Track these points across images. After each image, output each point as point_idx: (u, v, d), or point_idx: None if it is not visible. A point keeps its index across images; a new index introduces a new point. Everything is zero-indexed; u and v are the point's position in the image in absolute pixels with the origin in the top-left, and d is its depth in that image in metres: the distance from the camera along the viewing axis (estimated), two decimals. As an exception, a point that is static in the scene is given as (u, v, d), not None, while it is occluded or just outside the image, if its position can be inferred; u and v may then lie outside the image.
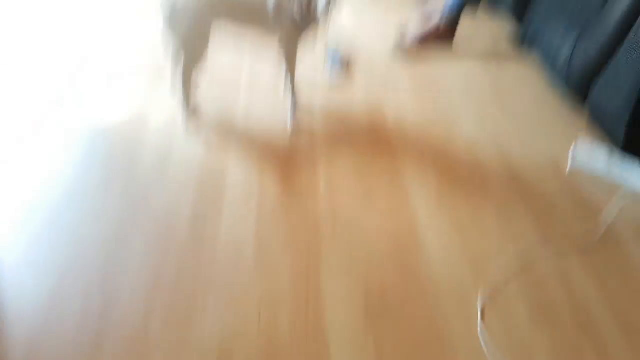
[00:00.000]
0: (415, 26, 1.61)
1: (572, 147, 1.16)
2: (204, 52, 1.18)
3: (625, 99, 1.09)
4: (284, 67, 1.26)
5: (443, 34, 1.58)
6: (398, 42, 1.59)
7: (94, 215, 1.02)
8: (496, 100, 1.39)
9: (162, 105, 1.34)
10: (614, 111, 1.13)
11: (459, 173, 1.14)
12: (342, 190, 1.08)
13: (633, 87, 1.06)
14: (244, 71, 1.51)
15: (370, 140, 1.24)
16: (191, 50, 1.16)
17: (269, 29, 1.18)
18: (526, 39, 1.52)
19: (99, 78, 1.47)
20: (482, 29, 1.75)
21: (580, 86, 1.24)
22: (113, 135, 1.25)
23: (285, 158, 1.18)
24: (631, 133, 1.11)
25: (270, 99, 1.38)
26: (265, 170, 1.14)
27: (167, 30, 1.12)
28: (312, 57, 1.57)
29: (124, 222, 1.01)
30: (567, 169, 1.13)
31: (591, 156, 1.13)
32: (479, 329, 0.81)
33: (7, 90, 1.44)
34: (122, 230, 0.99)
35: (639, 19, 1.06)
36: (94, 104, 1.36)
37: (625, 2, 1.09)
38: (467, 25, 1.73)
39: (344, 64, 1.51)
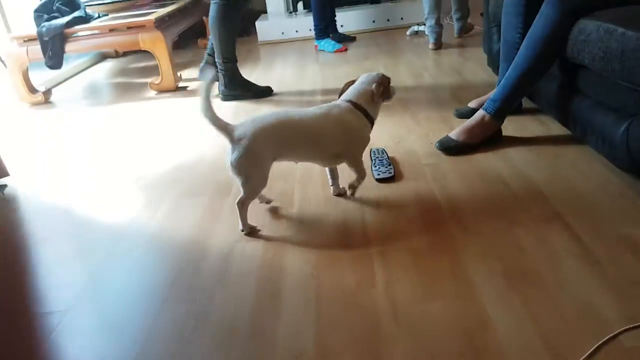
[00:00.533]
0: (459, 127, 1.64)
1: None
2: (263, 187, 1.28)
3: None
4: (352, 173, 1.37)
5: (488, 126, 1.60)
6: (442, 138, 1.63)
7: (158, 324, 1.02)
8: (556, 186, 1.35)
9: (226, 218, 1.39)
10: None
11: (527, 257, 1.07)
12: (402, 286, 1.03)
13: None
14: (297, 166, 1.57)
15: (425, 232, 1.20)
16: (251, 188, 1.26)
17: (329, 162, 1.37)
18: (575, 130, 1.53)
19: (169, 196, 1.57)
20: (529, 119, 1.78)
21: None
22: (180, 247, 1.29)
23: (342, 254, 1.16)
24: None
25: (323, 194, 1.41)
26: (322, 267, 1.12)
27: (232, 173, 1.23)
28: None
29: (186, 327, 0.99)
30: None
31: None
32: None
33: (82, 202, 1.56)
34: (184, 336, 0.97)
35: None
36: (164, 220, 1.44)
37: None
38: (514, 117, 1.79)
39: (390, 163, 1.55)
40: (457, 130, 1.62)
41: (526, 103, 1.90)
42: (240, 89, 2.43)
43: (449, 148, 1.60)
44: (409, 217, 1.28)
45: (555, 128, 1.70)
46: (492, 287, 1.00)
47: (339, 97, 1.38)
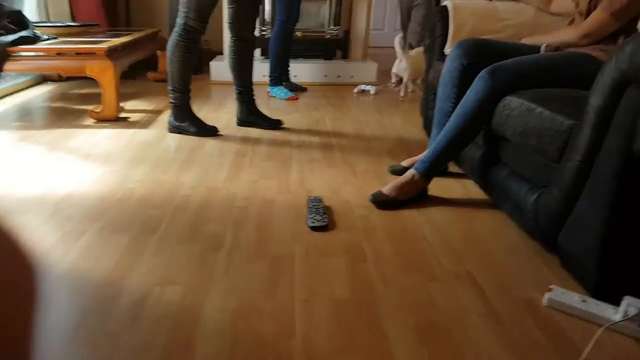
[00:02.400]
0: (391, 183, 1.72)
1: (548, 290, 1.17)
2: None
3: (589, 251, 1.15)
4: None
5: (417, 184, 1.69)
6: (375, 192, 1.69)
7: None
8: (470, 246, 1.43)
9: (148, 259, 1.35)
10: (582, 260, 1.18)
11: (439, 312, 1.11)
12: (320, 337, 1.04)
13: (596, 238, 1.12)
14: (234, 208, 1.56)
15: (349, 283, 1.23)
16: None
17: None
18: (493, 196, 1.64)
19: (90, 230, 1.50)
20: (453, 182, 1.89)
21: (549, 236, 1.31)
22: (92, 286, 1.23)
23: (264, 303, 1.15)
24: (601, 281, 1.15)
25: (255, 239, 1.41)
26: (241, 315, 1.11)
27: None
28: (295, 205, 1.67)
29: (83, 368, 0.93)
30: (544, 307, 1.14)
31: (565, 297, 1.14)
32: None
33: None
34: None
35: (592, 170, 1.16)
36: (80, 256, 1.37)
37: (579, 154, 1.19)
38: (440, 179, 1.90)
39: (325, 212, 1.58)
40: (389, 186, 1.69)
41: (452, 167, 2.02)
42: (186, 122, 2.43)
43: (381, 202, 1.67)
44: (336, 267, 1.30)
45: (476, 192, 1.82)
46: (405, 340, 1.02)
47: None
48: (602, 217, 1.11)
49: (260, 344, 1.01)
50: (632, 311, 1.05)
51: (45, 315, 1.10)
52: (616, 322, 1.07)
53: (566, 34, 1.72)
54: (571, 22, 1.81)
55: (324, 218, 1.54)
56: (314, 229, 1.50)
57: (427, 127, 2.29)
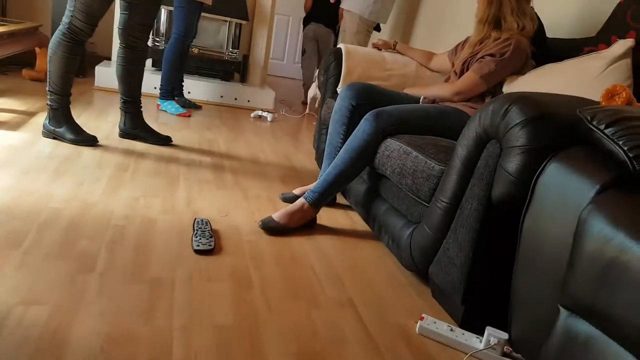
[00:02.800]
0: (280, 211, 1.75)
1: (420, 319, 1.27)
2: None
3: (455, 284, 1.27)
4: None
5: (306, 213, 1.74)
6: (265, 218, 1.70)
7: None
8: (353, 275, 1.50)
9: (10, 275, 1.20)
10: (449, 293, 1.31)
11: (320, 339, 1.14)
12: (198, 362, 1.00)
13: (461, 273, 1.25)
14: (109, 226, 1.45)
15: (233, 308, 1.21)
16: None
17: None
18: (374, 228, 1.75)
19: None
20: (340, 213, 1.98)
21: (421, 269, 1.43)
22: None
23: (140, 328, 1.08)
24: (466, 312, 1.28)
25: (132, 259, 1.32)
26: (115, 341, 1.03)
27: None
28: (180, 226, 1.61)
29: None
30: (417, 334, 1.23)
31: (435, 326, 1.25)
32: None
33: None
34: None
35: (457, 211, 1.29)
36: None
37: (446, 197, 1.33)
38: (328, 209, 1.98)
39: (212, 235, 1.54)
40: (280, 212, 1.72)
41: (340, 199, 2.12)
42: (63, 127, 2.23)
43: (270, 228, 1.68)
44: (220, 292, 1.27)
45: (360, 223, 1.93)
46: (286, 369, 1.03)
47: None
48: (465, 254, 1.24)
49: (133, 373, 0.94)
50: (494, 340, 1.17)
51: None
52: (479, 350, 1.18)
53: (442, 90, 1.94)
54: (447, 79, 2.05)
55: (210, 241, 1.50)
56: (198, 252, 1.46)
57: (319, 159, 2.38)
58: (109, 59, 3.88)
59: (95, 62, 3.78)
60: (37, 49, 3.39)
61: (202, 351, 1.04)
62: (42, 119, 2.55)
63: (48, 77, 2.18)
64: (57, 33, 2.13)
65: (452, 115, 1.80)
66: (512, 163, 1.10)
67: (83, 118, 2.71)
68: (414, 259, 1.44)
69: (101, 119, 2.78)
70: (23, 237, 1.36)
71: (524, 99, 1.12)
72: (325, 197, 1.76)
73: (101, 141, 2.35)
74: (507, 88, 1.83)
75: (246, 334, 1.12)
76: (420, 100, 1.97)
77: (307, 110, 3.79)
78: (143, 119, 2.49)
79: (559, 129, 1.07)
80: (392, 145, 1.65)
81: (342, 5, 3.90)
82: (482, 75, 1.82)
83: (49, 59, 2.15)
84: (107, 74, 3.56)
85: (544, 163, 1.01)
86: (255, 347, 1.08)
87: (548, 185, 0.98)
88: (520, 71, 1.83)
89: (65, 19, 2.11)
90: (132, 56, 2.34)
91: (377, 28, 3.94)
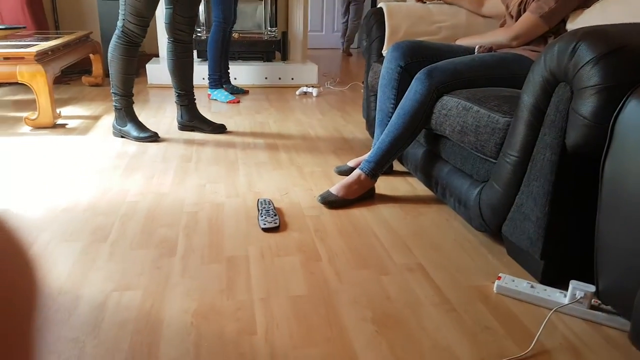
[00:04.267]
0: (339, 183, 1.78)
1: (497, 278, 1.27)
2: None
3: (533, 240, 1.24)
4: None
5: (364, 184, 1.76)
6: (323, 193, 1.75)
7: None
8: (419, 240, 1.52)
9: (102, 266, 1.32)
10: (527, 249, 1.27)
11: (393, 304, 1.18)
12: (281, 333, 1.07)
13: (537, 228, 1.22)
14: (183, 214, 1.56)
15: (305, 281, 1.27)
16: None
17: None
18: (437, 192, 1.73)
19: (38, 241, 1.45)
20: (399, 180, 1.99)
21: (494, 228, 1.40)
22: (48, 296, 1.19)
23: (223, 303, 1.17)
24: (546, 268, 1.25)
25: (208, 243, 1.42)
26: (202, 316, 1.12)
27: None
28: (245, 208, 1.69)
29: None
30: (494, 294, 1.23)
31: (514, 284, 1.23)
32: None
33: None
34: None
35: (529, 164, 1.25)
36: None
37: (515, 150, 1.28)
38: (386, 177, 1.99)
39: (276, 213, 1.61)
40: (337, 186, 1.76)
41: (397, 166, 2.13)
42: (128, 126, 2.38)
43: (330, 202, 1.72)
44: (291, 266, 1.34)
45: (421, 189, 1.93)
46: (362, 333, 1.08)
47: None
48: (541, 208, 1.20)
49: (223, 343, 1.03)
50: (579, 294, 1.13)
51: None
52: (565, 305, 1.15)
53: (498, 36, 1.82)
54: (503, 24, 1.92)
55: (275, 219, 1.57)
56: (266, 230, 1.53)
57: (370, 128, 2.38)
58: (157, 55, 4.03)
59: (145, 61, 3.94)
60: (91, 56, 3.58)
61: (283, 320, 1.11)
62: (106, 121, 2.72)
63: (110, 79, 2.32)
64: (113, 38, 2.26)
65: (512, 62, 1.70)
66: (587, 105, 1.03)
67: (143, 116, 2.86)
68: (485, 218, 1.41)
69: (159, 114, 2.92)
70: (108, 231, 1.49)
71: (593, 34, 1.04)
72: (381, 166, 1.76)
73: (162, 135, 2.48)
74: (571, 25, 1.66)
75: (321, 303, 1.18)
76: (475, 50, 1.85)
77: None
78: (197, 110, 2.59)
79: (636, 62, 0.98)
80: (449, 103, 1.59)
81: None
82: (542, 15, 1.67)
83: (109, 62, 2.28)
84: (158, 71, 3.71)
85: (623, 101, 0.94)
86: (331, 314, 1.14)
87: (629, 125, 0.91)
88: (585, 4, 1.66)
89: (119, 23, 2.22)
90: (181, 49, 2.43)
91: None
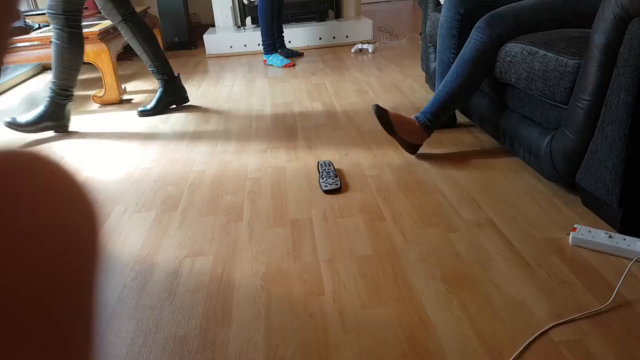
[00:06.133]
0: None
1: (572, 230, 1.20)
2: None
3: (610, 188, 1.16)
4: None
5: (417, 133, 1.68)
6: (380, 106, 1.65)
7: (103, 343, 1.00)
8: (488, 194, 1.45)
9: (174, 233, 1.39)
10: (604, 198, 1.20)
11: (463, 260, 1.15)
12: (348, 293, 1.08)
13: (615, 174, 1.14)
14: (247, 179, 1.59)
15: (370, 241, 1.26)
16: None
17: None
18: (505, 143, 1.65)
19: (113, 212, 1.54)
20: (464, 133, 1.90)
21: (567, 177, 1.33)
22: (125, 264, 1.27)
23: (290, 266, 1.19)
24: (625, 216, 1.17)
25: (273, 207, 1.44)
26: (271, 279, 1.15)
27: None
28: (306, 171, 1.69)
29: (135, 344, 0.98)
30: (570, 247, 1.16)
31: (591, 235, 1.16)
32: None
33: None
34: (133, 351, 0.96)
35: (603, 108, 1.16)
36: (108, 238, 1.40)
37: (587, 94, 1.20)
38: (449, 130, 1.91)
39: (337, 175, 1.60)
40: (395, 113, 1.66)
41: (461, 118, 2.03)
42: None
43: (381, 117, 1.63)
44: (355, 227, 1.33)
45: (487, 141, 1.83)
46: (432, 291, 1.06)
47: None
48: (617, 153, 1.12)
49: (293, 304, 1.05)
50: None
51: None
52: None
53: None
54: None
55: (336, 181, 1.56)
56: (327, 192, 1.53)
57: (430, 80, 2.28)
58: (213, 25, 4.06)
59: (202, 31, 3.99)
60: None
61: (350, 280, 1.11)
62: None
63: (54, 70, 2.18)
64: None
65: (579, 1, 1.57)
66: None
67: (204, 86, 2.91)
68: (557, 167, 1.34)
69: (219, 84, 2.97)
70: (178, 200, 1.55)
71: None
72: (437, 118, 1.67)
73: (222, 104, 2.52)
74: None
75: (387, 263, 1.17)
76: None
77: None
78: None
79: None
80: (514, 49, 1.50)
81: None
82: None
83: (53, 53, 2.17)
84: (215, 41, 3.74)
85: None
86: (398, 273, 1.13)
87: None
88: None
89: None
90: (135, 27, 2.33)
91: None
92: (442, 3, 2.07)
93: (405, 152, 1.74)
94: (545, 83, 1.35)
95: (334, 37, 3.83)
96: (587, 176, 1.24)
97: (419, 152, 1.73)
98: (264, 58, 3.40)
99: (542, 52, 1.38)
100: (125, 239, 1.36)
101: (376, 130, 2.02)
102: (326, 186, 1.54)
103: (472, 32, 1.61)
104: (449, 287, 1.07)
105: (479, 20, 1.59)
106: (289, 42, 3.75)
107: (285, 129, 2.12)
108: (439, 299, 1.04)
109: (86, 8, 3.50)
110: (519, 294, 1.03)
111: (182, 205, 1.52)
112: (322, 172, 1.63)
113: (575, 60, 1.26)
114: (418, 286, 1.08)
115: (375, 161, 1.72)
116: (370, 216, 1.38)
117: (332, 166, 1.66)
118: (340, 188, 1.54)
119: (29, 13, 3.09)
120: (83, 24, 2.47)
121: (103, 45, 2.54)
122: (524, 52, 1.45)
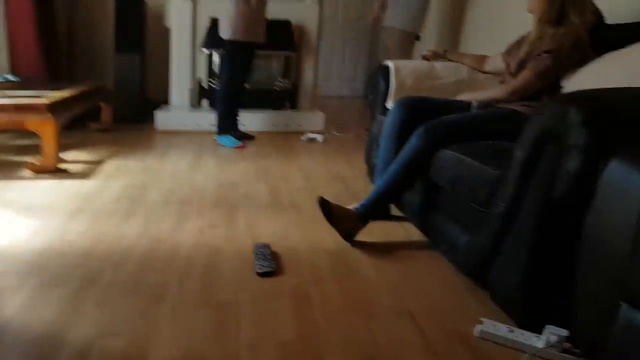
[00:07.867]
0: None
1: (479, 322, 1.27)
2: None
3: (515, 287, 1.26)
4: None
5: (355, 222, 1.78)
6: (324, 199, 1.76)
7: None
8: (410, 284, 1.51)
9: (90, 311, 1.30)
10: (509, 295, 1.30)
11: (380, 348, 1.16)
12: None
13: (521, 276, 1.24)
14: (179, 258, 1.54)
15: (295, 325, 1.24)
16: None
17: None
18: (431, 238, 1.76)
19: (27, 285, 1.43)
20: (395, 225, 1.98)
21: (480, 274, 1.43)
22: (31, 343, 1.17)
23: (210, 350, 1.14)
24: (526, 313, 1.27)
25: (199, 287, 1.39)
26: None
27: None
28: (242, 252, 1.67)
29: None
30: (476, 338, 1.24)
31: (494, 328, 1.24)
32: None
33: None
34: None
35: (517, 215, 1.27)
36: (17, 313, 1.30)
37: (504, 201, 1.31)
38: (383, 222, 1.97)
39: (272, 258, 1.59)
40: (336, 204, 1.78)
41: (395, 211, 2.11)
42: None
43: (323, 206, 1.76)
44: (283, 311, 1.31)
45: (416, 234, 1.92)
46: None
47: None
48: (525, 257, 1.23)
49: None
50: (553, 338, 1.15)
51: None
52: (540, 349, 1.17)
53: (497, 92, 1.92)
54: (502, 82, 2.02)
55: (271, 264, 1.55)
56: (261, 274, 1.51)
57: (371, 174, 2.39)
58: (167, 102, 4.14)
59: (154, 107, 4.04)
60: (102, 104, 3.69)
61: (269, 368, 1.07)
62: (108, 166, 2.75)
63: None
64: None
65: (507, 118, 1.78)
66: (574, 163, 1.10)
67: (149, 159, 2.89)
68: (473, 264, 1.43)
69: (164, 160, 2.96)
70: (99, 276, 1.47)
71: (582, 99, 1.13)
72: (374, 210, 1.78)
73: (165, 179, 2.49)
74: (567, 82, 1.77)
75: (309, 348, 1.15)
76: (472, 105, 1.94)
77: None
78: None
79: (620, 125, 1.08)
80: (446, 156, 1.66)
81: (383, 24, 3.89)
82: (537, 73, 1.78)
83: None
84: (167, 117, 3.80)
85: (606, 161, 1.00)
86: (318, 359, 1.10)
87: (610, 183, 0.98)
88: (580, 64, 1.75)
89: None
90: None
91: (417, 38, 3.92)
92: (388, 108, 2.25)
93: (342, 239, 1.78)
94: (470, 188, 1.50)
95: (287, 125, 3.99)
96: (497, 275, 1.34)
97: (354, 239, 1.78)
98: (216, 138, 3.46)
99: (469, 160, 1.54)
100: (36, 314, 1.26)
101: (317, 215, 2.05)
102: (260, 268, 1.52)
103: (412, 136, 1.77)
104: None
105: (418, 128, 1.76)
106: (243, 125, 3.86)
107: (227, 208, 2.12)
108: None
109: (38, 77, 3.50)
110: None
111: (103, 282, 1.44)
112: (258, 254, 1.62)
113: (497, 171, 1.40)
114: (338, 376, 1.05)
115: (312, 246, 1.74)
116: (299, 300, 1.37)
117: (268, 248, 1.66)
118: (274, 271, 1.52)
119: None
120: (34, 93, 2.46)
121: (50, 116, 2.52)
122: (454, 159, 1.61)
